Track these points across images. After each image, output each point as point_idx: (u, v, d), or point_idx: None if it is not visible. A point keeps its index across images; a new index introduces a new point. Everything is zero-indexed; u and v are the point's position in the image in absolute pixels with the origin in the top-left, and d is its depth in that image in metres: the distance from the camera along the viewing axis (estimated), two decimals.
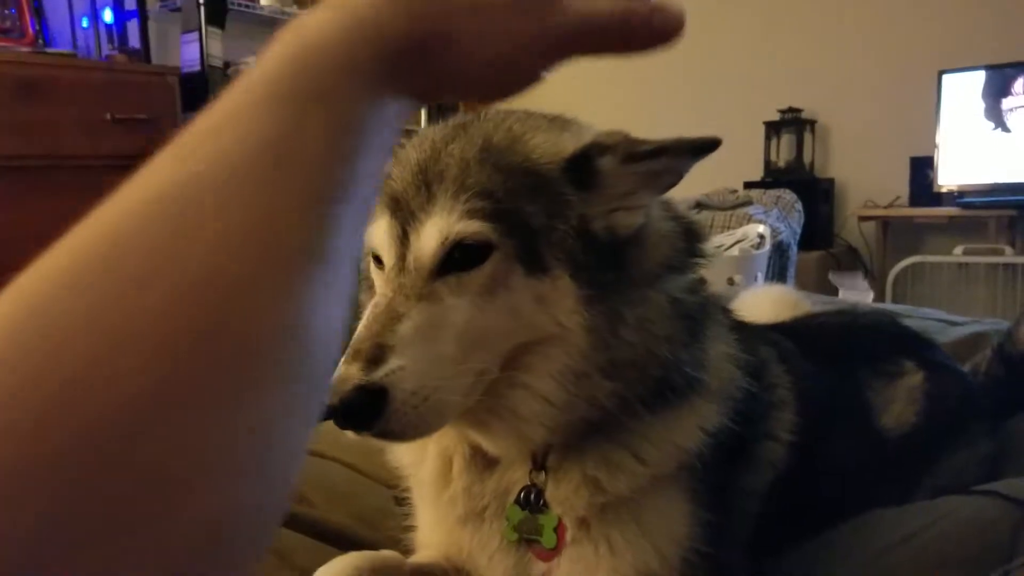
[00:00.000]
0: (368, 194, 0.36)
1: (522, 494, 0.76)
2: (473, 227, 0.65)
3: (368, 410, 0.61)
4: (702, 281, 0.81)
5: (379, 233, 0.70)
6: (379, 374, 0.61)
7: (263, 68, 0.35)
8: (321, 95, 0.34)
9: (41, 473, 0.26)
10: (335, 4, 0.37)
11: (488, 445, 0.76)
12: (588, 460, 0.74)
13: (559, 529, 0.75)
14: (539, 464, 0.76)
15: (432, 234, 0.66)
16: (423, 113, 4.59)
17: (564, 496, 0.75)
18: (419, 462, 0.82)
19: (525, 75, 0.45)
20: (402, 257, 0.67)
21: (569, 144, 0.70)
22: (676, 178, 0.72)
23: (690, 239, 0.78)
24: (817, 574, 0.81)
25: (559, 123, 0.75)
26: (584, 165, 0.69)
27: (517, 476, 0.77)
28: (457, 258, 0.66)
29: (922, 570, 0.77)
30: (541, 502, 0.75)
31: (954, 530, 0.81)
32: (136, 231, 0.30)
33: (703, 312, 0.79)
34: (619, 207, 0.70)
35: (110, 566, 0.26)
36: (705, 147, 0.69)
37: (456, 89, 0.43)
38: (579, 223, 0.69)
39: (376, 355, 0.61)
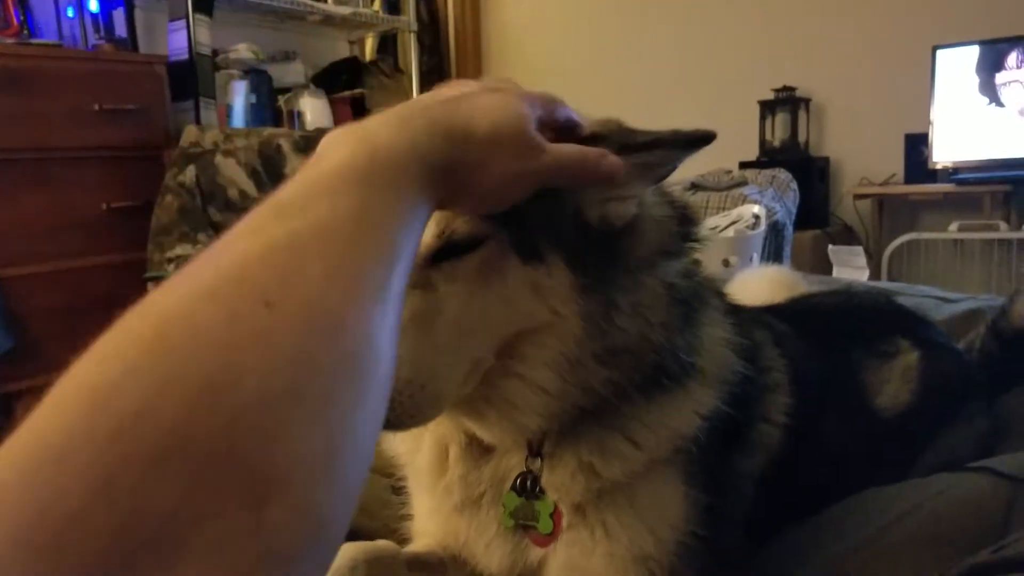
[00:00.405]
0: (409, 264, 0.46)
1: (518, 481, 0.76)
2: (476, 223, 0.65)
3: None
4: (696, 264, 0.81)
5: None
6: None
7: (347, 157, 0.45)
8: (391, 185, 0.46)
9: (190, 446, 0.31)
10: (399, 128, 0.49)
11: (483, 433, 0.76)
12: (583, 446, 0.74)
13: (555, 515, 0.75)
14: (535, 451, 0.76)
15: (429, 226, 0.65)
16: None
17: (560, 482, 0.75)
18: (415, 451, 0.82)
19: (511, 197, 0.58)
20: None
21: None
22: (670, 169, 0.73)
23: (684, 223, 0.78)
24: (811, 554, 0.81)
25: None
26: None
27: (513, 463, 0.77)
28: (451, 246, 0.65)
29: (916, 548, 0.77)
30: (537, 488, 0.75)
31: (947, 508, 0.81)
32: (258, 264, 0.38)
33: (697, 297, 0.79)
34: (612, 197, 0.70)
35: (223, 546, 0.32)
36: (700, 140, 0.70)
37: (466, 202, 0.56)
38: (573, 212, 0.68)
39: None
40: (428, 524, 0.85)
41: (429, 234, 0.65)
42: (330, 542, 0.37)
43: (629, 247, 0.72)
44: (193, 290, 0.37)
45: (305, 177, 0.44)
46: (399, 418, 0.63)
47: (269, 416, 0.34)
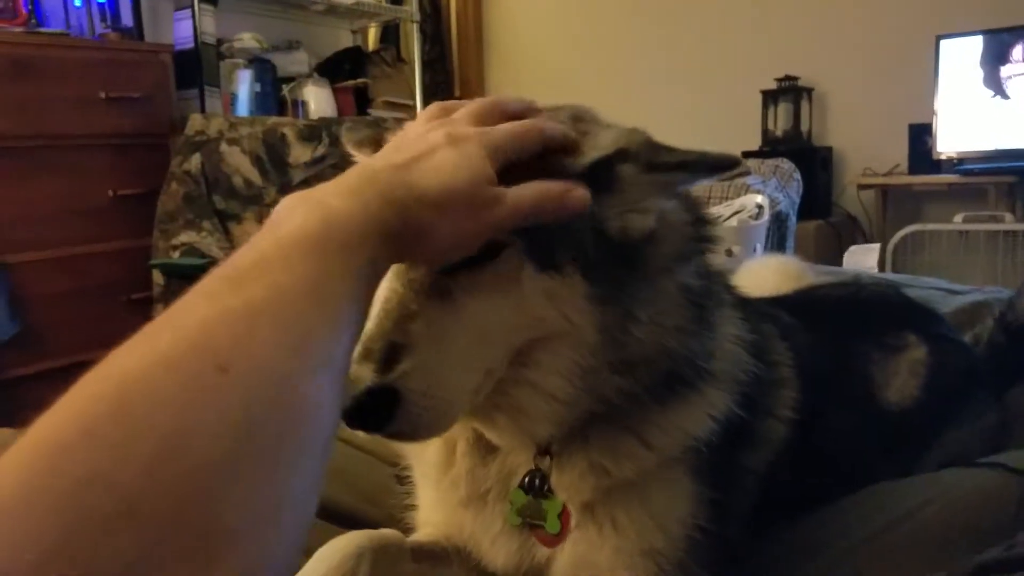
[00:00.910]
0: (359, 328, 0.51)
1: (526, 479, 0.76)
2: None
3: (380, 411, 0.60)
4: (708, 261, 0.81)
5: None
6: (391, 376, 0.59)
7: (300, 226, 0.47)
8: (343, 251, 0.47)
9: (145, 507, 0.33)
10: (350, 194, 0.51)
11: (492, 437, 0.76)
12: (593, 447, 0.74)
13: (563, 515, 0.75)
14: (543, 449, 0.75)
15: None
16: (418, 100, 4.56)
17: (569, 482, 0.74)
18: (422, 445, 0.82)
19: (467, 249, 0.60)
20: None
21: (591, 149, 0.69)
22: (690, 186, 0.74)
23: (699, 224, 0.78)
24: (819, 548, 0.81)
25: (581, 124, 0.74)
26: (605, 169, 0.68)
27: (521, 460, 0.77)
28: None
29: (926, 543, 0.77)
30: (546, 487, 0.75)
31: (958, 503, 0.81)
32: (214, 330, 0.40)
33: (711, 295, 0.78)
34: (632, 209, 0.69)
35: None
36: (726, 166, 0.69)
37: (421, 258, 0.59)
38: (592, 222, 0.68)
39: (388, 355, 0.60)
40: (433, 515, 0.85)
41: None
42: None
43: (648, 256, 0.71)
44: (152, 354, 0.38)
45: (262, 244, 0.46)
46: (413, 429, 0.62)
47: (217, 478, 0.35)
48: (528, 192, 0.61)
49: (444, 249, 0.58)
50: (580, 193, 0.64)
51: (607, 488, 0.74)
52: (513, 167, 0.63)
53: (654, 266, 0.71)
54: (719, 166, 0.69)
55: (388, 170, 0.56)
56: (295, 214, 0.48)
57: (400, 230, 0.52)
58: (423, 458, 0.83)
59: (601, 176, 0.68)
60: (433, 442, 0.80)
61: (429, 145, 0.59)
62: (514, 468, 0.77)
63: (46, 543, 0.31)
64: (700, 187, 3.31)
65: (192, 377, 0.37)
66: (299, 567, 0.75)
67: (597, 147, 0.70)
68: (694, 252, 0.77)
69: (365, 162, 0.59)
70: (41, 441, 0.35)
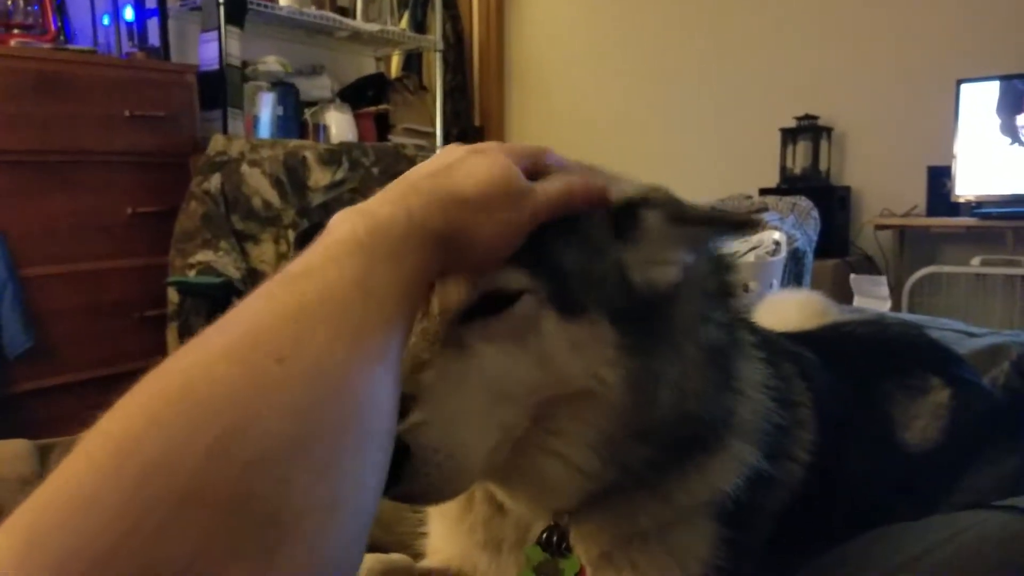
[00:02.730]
0: (408, 330, 0.51)
1: (543, 535, 0.74)
2: (512, 278, 0.61)
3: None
4: (731, 308, 0.79)
5: None
6: (399, 428, 0.53)
7: (349, 230, 0.50)
8: (390, 255, 0.49)
9: (209, 493, 0.34)
10: (394, 202, 0.53)
11: (509, 503, 0.74)
12: (614, 504, 0.72)
13: (580, 575, 0.73)
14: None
15: (459, 284, 0.62)
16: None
17: (587, 533, 0.73)
18: None
19: (511, 244, 0.60)
20: (426, 300, 0.62)
21: (617, 193, 0.69)
22: (714, 245, 0.73)
23: (721, 272, 0.77)
24: None
25: (599, 174, 0.73)
26: (629, 217, 0.68)
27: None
28: (484, 302, 0.61)
29: None
30: (564, 545, 0.73)
31: (974, 545, 0.79)
32: (270, 325, 0.42)
33: (734, 344, 0.77)
34: (656, 261, 0.68)
35: None
36: (749, 225, 0.69)
37: (469, 260, 0.58)
38: (617, 270, 0.66)
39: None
40: (445, 548, 0.84)
41: (460, 291, 0.62)
42: None
43: (673, 315, 0.69)
44: (212, 350, 0.40)
45: (313, 249, 0.49)
46: (424, 489, 0.58)
47: (280, 465, 0.36)
48: (555, 183, 0.63)
49: (489, 248, 0.58)
50: (601, 183, 0.66)
51: (628, 536, 0.73)
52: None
53: (680, 326, 0.69)
54: (743, 225, 0.69)
55: (426, 179, 0.58)
56: (344, 224, 0.51)
57: (445, 232, 0.54)
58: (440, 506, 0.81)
59: (626, 224, 0.67)
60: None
61: (456, 157, 0.61)
62: (532, 520, 0.75)
63: (115, 531, 0.32)
64: None
65: (252, 368, 0.39)
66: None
67: (623, 192, 0.69)
68: (717, 306, 0.75)
69: (403, 176, 0.60)
70: (107, 433, 0.36)
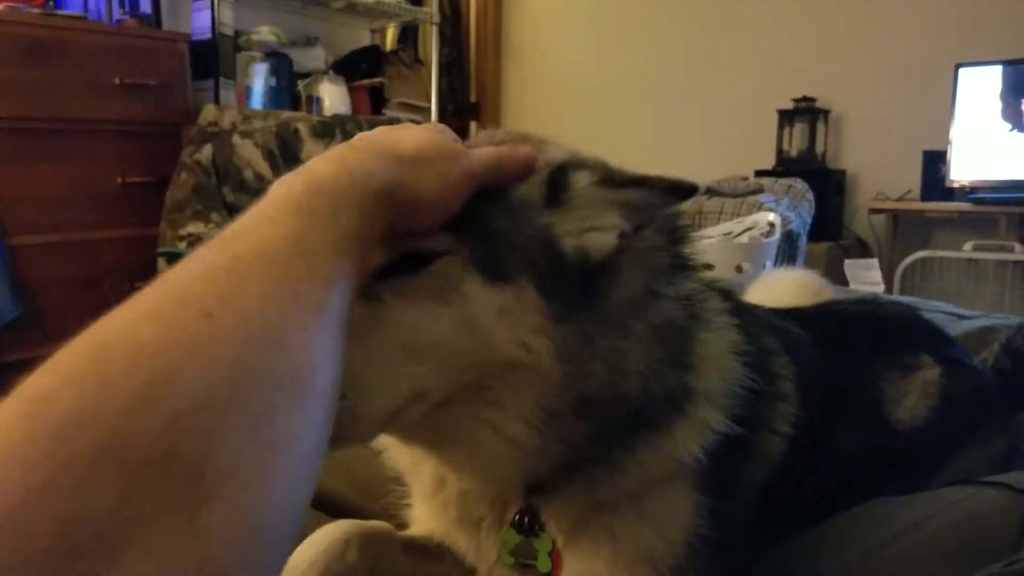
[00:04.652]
0: (350, 287, 0.50)
1: (517, 517, 0.74)
2: (434, 241, 0.61)
3: None
4: (696, 281, 0.77)
5: None
6: None
7: (286, 191, 0.49)
8: (329, 211, 0.49)
9: (128, 449, 0.33)
10: (333, 160, 0.53)
11: (458, 481, 0.75)
12: (577, 479, 0.72)
13: (553, 554, 0.73)
14: (534, 486, 0.73)
15: (379, 246, 0.60)
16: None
17: (558, 507, 0.73)
18: (414, 472, 0.81)
19: (454, 201, 0.61)
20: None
21: (544, 158, 0.68)
22: (651, 216, 0.69)
23: (673, 245, 0.74)
24: (817, 562, 0.80)
25: (537, 141, 0.72)
26: (557, 181, 0.66)
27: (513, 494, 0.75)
28: (404, 261, 0.61)
29: (927, 560, 0.76)
30: (536, 526, 0.73)
31: (960, 521, 0.80)
32: (200, 283, 0.40)
33: (693, 317, 0.75)
34: (591, 227, 0.66)
35: (162, 547, 0.33)
36: (683, 190, 0.66)
37: (414, 217, 0.58)
38: (545, 233, 0.65)
39: None
40: (426, 520, 0.84)
41: (379, 252, 0.60)
42: (271, 549, 0.38)
43: (612, 288, 0.67)
44: (136, 309, 0.39)
45: (249, 212, 0.48)
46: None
47: (205, 421, 0.35)
48: (487, 150, 0.65)
49: (429, 204, 0.59)
50: (525, 148, 0.67)
51: (600, 504, 0.73)
52: None
53: (621, 301, 0.67)
54: (676, 189, 0.66)
55: (364, 139, 0.59)
56: (281, 187, 0.50)
57: (384, 188, 0.54)
58: (417, 474, 0.81)
59: (556, 189, 0.66)
60: (426, 472, 0.79)
61: (398, 126, 0.63)
62: (507, 500, 0.75)
63: (30, 486, 0.31)
64: (712, 204, 3.31)
65: (175, 324, 0.38)
66: (302, 530, 0.74)
67: (552, 158, 0.68)
68: (670, 280, 0.72)
69: (344, 143, 0.60)
70: (23, 394, 0.34)
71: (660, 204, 0.68)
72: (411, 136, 0.60)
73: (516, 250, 0.63)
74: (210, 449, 0.35)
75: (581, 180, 0.67)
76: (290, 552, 0.41)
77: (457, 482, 0.77)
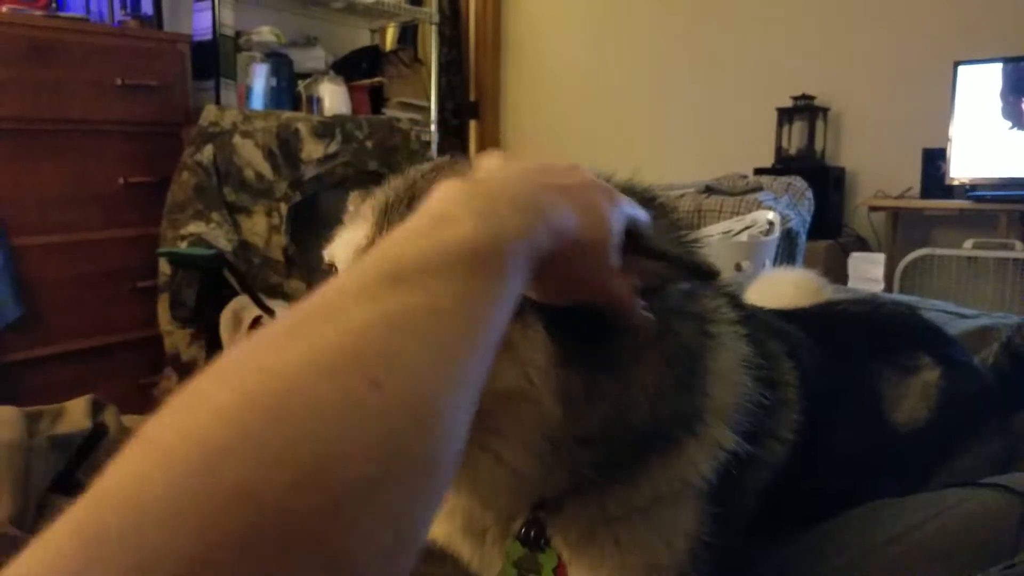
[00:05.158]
0: (494, 348, 0.46)
1: (522, 530, 0.74)
2: None
3: None
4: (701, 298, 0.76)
5: (343, 245, 0.68)
6: None
7: (466, 235, 0.45)
8: (502, 274, 0.46)
9: (284, 528, 0.31)
10: (520, 211, 0.49)
11: (463, 503, 0.75)
12: (585, 496, 0.72)
13: (559, 569, 0.74)
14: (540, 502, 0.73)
15: None
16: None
17: (565, 520, 0.74)
18: None
19: (571, 298, 0.59)
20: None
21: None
22: (667, 283, 0.67)
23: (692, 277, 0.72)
24: (815, 564, 0.81)
25: None
26: None
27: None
28: None
29: (926, 562, 0.77)
30: (542, 540, 0.73)
31: (958, 522, 0.80)
32: (365, 341, 0.37)
33: (705, 337, 0.74)
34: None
35: None
36: (706, 274, 0.65)
37: (561, 292, 0.57)
38: None
39: None
40: (432, 527, 0.85)
41: None
42: None
43: (618, 334, 0.65)
44: (314, 358, 0.36)
45: (427, 241, 0.44)
46: None
47: (357, 508, 0.33)
48: (625, 286, 0.61)
49: (558, 292, 0.57)
50: (647, 316, 0.63)
51: (608, 517, 0.73)
52: None
53: (628, 345, 0.66)
54: (699, 272, 0.65)
55: (551, 192, 0.54)
56: (465, 218, 0.46)
57: (545, 259, 0.51)
58: None
59: None
60: None
61: (583, 181, 0.58)
62: (513, 512, 0.75)
63: (186, 557, 0.29)
64: (711, 202, 3.30)
65: (349, 390, 0.35)
66: None
67: None
68: (680, 309, 0.71)
69: (520, 171, 0.55)
70: (194, 440, 0.32)
71: (678, 278, 0.67)
72: (594, 218, 0.55)
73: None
74: (350, 535, 0.33)
75: None
76: None
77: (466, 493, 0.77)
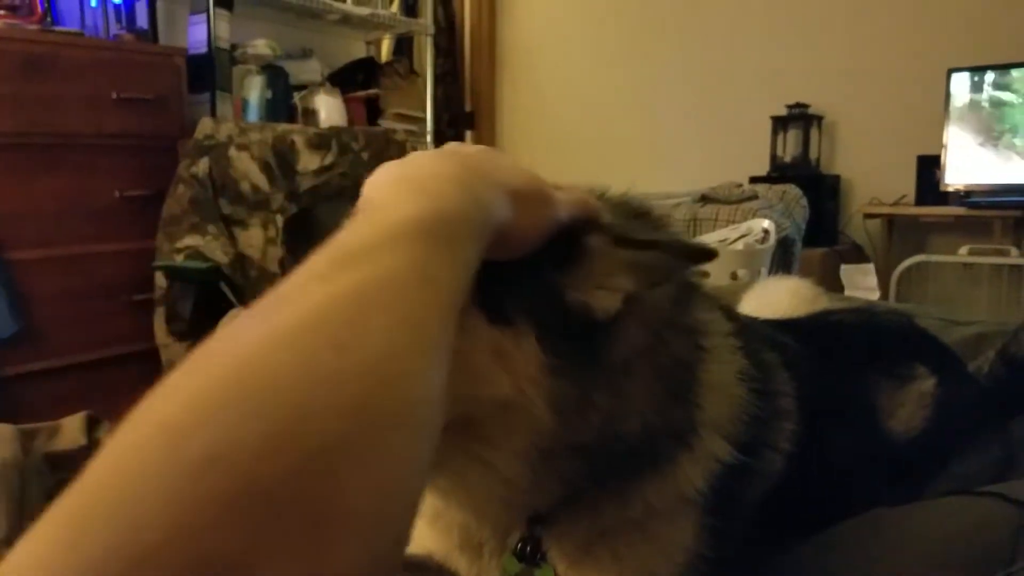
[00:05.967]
0: (457, 317, 0.47)
1: (519, 545, 0.74)
2: None
3: None
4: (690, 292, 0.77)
5: None
6: None
7: (405, 212, 0.47)
8: (451, 241, 0.47)
9: (264, 489, 0.32)
10: (461, 185, 0.51)
11: (442, 506, 0.75)
12: (579, 508, 0.72)
13: None
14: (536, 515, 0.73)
15: None
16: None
17: (561, 533, 0.74)
18: None
19: (534, 243, 0.60)
20: None
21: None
22: (664, 277, 0.68)
23: (683, 298, 0.73)
24: (813, 573, 0.81)
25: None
26: (570, 239, 0.64)
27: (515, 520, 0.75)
28: None
29: (922, 571, 0.77)
30: (538, 555, 0.73)
31: (956, 531, 0.80)
32: (330, 311, 0.39)
33: (698, 351, 0.74)
34: (600, 285, 0.64)
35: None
36: (699, 256, 0.65)
37: (501, 252, 0.57)
38: (553, 288, 0.63)
39: None
40: (426, 542, 0.84)
41: None
42: None
43: (612, 346, 0.65)
44: (267, 333, 0.37)
45: (370, 226, 0.46)
46: None
47: (331, 463, 0.34)
48: (569, 195, 0.64)
49: (521, 242, 0.58)
50: (592, 201, 0.66)
51: (605, 529, 0.73)
52: None
53: (621, 357, 0.66)
54: (692, 254, 0.65)
55: (481, 163, 0.57)
56: (403, 199, 0.48)
57: (499, 225, 0.54)
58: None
59: (568, 244, 0.64)
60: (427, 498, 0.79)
61: (497, 153, 0.62)
62: (509, 526, 0.75)
63: (165, 525, 0.30)
64: (707, 211, 3.31)
65: (310, 356, 0.36)
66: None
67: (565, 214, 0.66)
68: (674, 321, 0.72)
69: (454, 151, 0.58)
70: (156, 423, 0.34)
71: (673, 267, 0.67)
72: (518, 172, 0.58)
73: (523, 296, 0.62)
74: (333, 493, 0.34)
75: (595, 240, 0.65)
76: None
77: (461, 508, 0.77)
